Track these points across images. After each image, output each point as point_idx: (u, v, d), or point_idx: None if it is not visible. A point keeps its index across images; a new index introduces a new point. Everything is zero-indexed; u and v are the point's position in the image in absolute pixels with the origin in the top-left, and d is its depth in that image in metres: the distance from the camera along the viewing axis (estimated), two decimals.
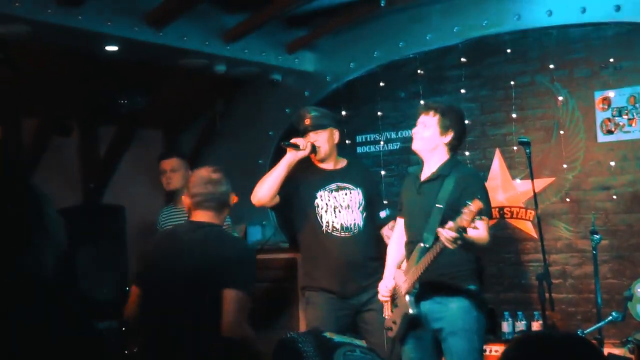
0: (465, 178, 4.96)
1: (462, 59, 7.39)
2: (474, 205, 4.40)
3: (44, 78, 7.07)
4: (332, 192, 5.75)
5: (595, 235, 5.95)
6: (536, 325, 6.72)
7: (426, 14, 7.36)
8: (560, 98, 6.94)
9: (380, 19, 7.53)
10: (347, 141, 7.99)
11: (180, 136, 8.96)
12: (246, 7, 7.04)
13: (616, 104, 6.73)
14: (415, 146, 5.14)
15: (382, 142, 7.85)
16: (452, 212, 4.75)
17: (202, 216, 4.44)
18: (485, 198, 4.92)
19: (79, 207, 7.96)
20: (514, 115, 7.12)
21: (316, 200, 5.75)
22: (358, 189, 5.78)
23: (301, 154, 5.71)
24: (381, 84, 7.82)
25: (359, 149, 7.99)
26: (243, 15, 7.07)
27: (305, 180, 5.82)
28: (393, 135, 7.81)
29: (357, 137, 7.97)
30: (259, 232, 8.18)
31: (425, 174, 5.12)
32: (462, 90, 7.38)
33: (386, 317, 5.20)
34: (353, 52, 7.83)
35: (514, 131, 7.10)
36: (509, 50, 7.18)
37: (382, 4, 7.03)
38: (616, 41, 6.70)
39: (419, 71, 7.61)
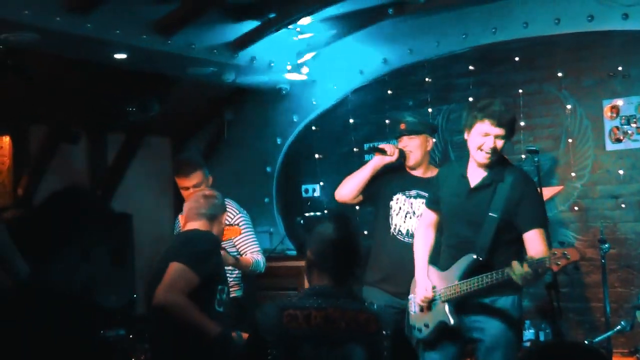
0: (520, 184, 4.70)
1: (470, 67, 7.40)
2: (572, 254, 4.30)
3: (52, 85, 7.09)
4: (409, 197, 5.70)
5: (604, 244, 5.94)
6: (544, 334, 6.70)
7: (434, 22, 7.36)
8: (569, 106, 6.93)
9: (389, 27, 7.53)
10: (355, 149, 8.00)
11: (188, 144, 8.97)
12: (254, 15, 7.05)
13: (625, 112, 6.72)
14: (484, 162, 4.74)
15: None
16: (505, 222, 4.63)
17: (192, 225, 4.64)
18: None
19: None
20: (522, 124, 7.10)
21: (391, 202, 5.72)
22: None
23: (388, 159, 5.72)
24: (389, 92, 7.82)
25: (367, 157, 7.98)
26: (251, 23, 7.08)
27: (389, 181, 5.78)
28: None
29: (365, 144, 7.97)
30: (266, 240, 8.17)
31: (474, 177, 4.81)
32: (470, 98, 7.37)
33: (412, 313, 5.04)
34: (361, 60, 7.83)
35: (522, 139, 7.08)
36: (516, 58, 7.18)
37: (390, 12, 7.04)
38: (624, 49, 6.69)
39: (426, 79, 7.62)
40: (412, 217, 5.64)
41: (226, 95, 8.55)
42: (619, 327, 5.65)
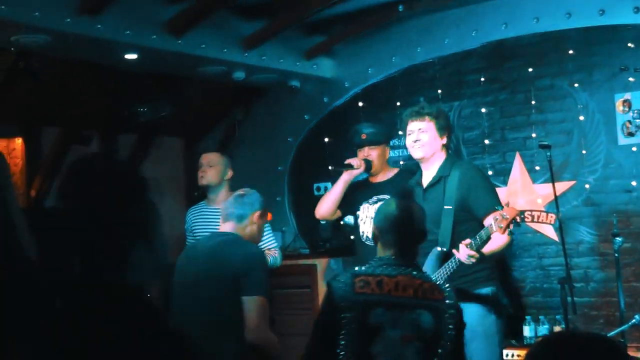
0: (467, 174, 5.03)
1: (481, 63, 7.38)
2: (510, 212, 4.46)
3: (63, 87, 7.11)
4: (372, 204, 6.03)
5: (617, 238, 5.92)
6: (558, 329, 6.69)
7: (444, 18, 7.35)
8: (580, 101, 6.90)
9: (399, 24, 7.52)
10: None
11: (200, 143, 8.98)
12: (264, 14, 7.06)
13: (637, 106, 6.68)
14: (418, 155, 5.19)
15: (401, 147, 7.81)
16: (462, 211, 4.91)
17: (224, 227, 4.70)
18: (493, 193, 5.05)
19: None
20: (533, 119, 7.09)
21: (359, 212, 6.14)
22: None
23: (356, 172, 6.10)
24: (400, 89, 7.81)
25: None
26: (261, 22, 7.09)
27: (356, 194, 6.21)
28: None
29: None
30: (279, 238, 8.18)
31: (426, 179, 5.18)
32: (481, 94, 7.36)
33: None
34: (371, 58, 7.83)
35: (534, 135, 7.07)
36: (527, 54, 7.15)
37: (400, 9, 7.04)
38: (636, 43, 6.66)
39: (437, 76, 7.60)
40: None
41: (237, 95, 8.56)
42: (633, 321, 5.63)
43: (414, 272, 3.73)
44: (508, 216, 4.51)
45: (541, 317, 6.82)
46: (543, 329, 6.78)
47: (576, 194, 6.90)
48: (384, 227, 3.82)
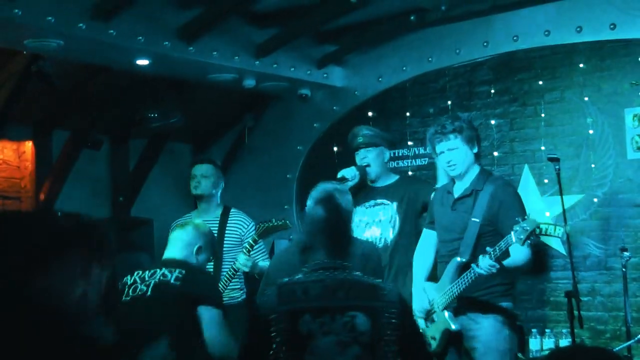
0: (500, 191, 4.93)
1: (492, 75, 7.39)
2: (529, 223, 4.43)
3: (75, 91, 7.15)
4: (368, 208, 5.82)
5: (625, 253, 5.91)
6: (564, 343, 6.68)
7: (455, 30, 7.36)
8: (590, 115, 6.90)
9: (410, 35, 7.54)
10: None
11: (210, 150, 9.00)
12: (276, 22, 7.08)
13: None
14: (455, 174, 5.05)
15: (410, 158, 7.83)
16: (488, 226, 4.84)
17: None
18: (522, 211, 4.91)
19: (108, 220, 8.00)
20: (543, 132, 7.09)
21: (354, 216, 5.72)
22: (394, 203, 5.75)
23: (350, 184, 5.69)
24: (410, 99, 7.82)
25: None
26: (273, 30, 7.11)
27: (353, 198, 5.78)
28: (421, 151, 7.78)
29: None
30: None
31: (458, 190, 5.08)
32: (491, 106, 7.36)
33: (421, 330, 5.16)
34: (382, 68, 7.84)
35: (543, 147, 7.07)
36: (538, 67, 7.16)
37: (411, 19, 7.05)
38: None
39: (448, 87, 7.61)
40: (372, 226, 5.75)
41: (247, 102, 8.58)
42: (639, 336, 5.62)
43: (345, 274, 3.50)
44: (528, 228, 4.45)
45: (547, 330, 6.80)
46: (549, 343, 6.76)
47: (584, 207, 6.90)
48: (312, 230, 3.65)
